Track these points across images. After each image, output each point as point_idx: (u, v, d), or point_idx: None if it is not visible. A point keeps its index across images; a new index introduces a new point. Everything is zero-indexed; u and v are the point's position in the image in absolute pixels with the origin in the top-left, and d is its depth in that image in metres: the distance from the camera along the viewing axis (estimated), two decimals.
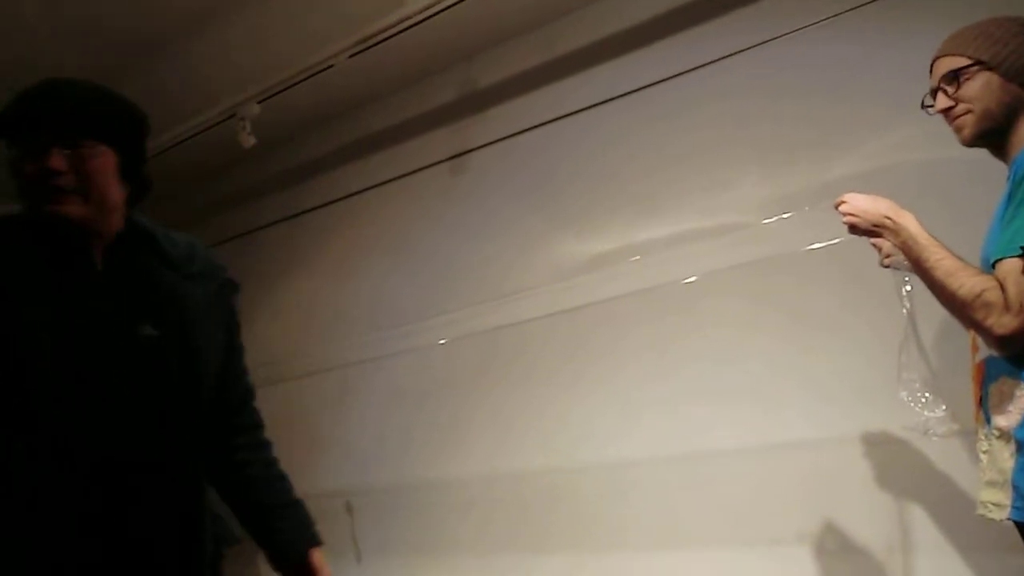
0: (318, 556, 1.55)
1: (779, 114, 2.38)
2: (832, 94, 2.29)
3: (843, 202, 1.57)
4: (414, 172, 3.26)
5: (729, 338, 2.35)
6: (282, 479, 1.64)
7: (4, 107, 1.33)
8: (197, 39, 2.95)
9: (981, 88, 1.46)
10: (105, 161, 1.33)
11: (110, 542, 1.28)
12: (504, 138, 3.03)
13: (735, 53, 2.46)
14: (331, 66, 2.83)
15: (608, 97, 2.77)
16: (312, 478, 3.30)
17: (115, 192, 1.36)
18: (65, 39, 2.94)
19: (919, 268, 1.46)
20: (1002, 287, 1.31)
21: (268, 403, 3.49)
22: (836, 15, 2.26)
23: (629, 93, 2.71)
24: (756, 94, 2.43)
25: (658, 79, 2.64)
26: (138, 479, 1.32)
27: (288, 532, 1.56)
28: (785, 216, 2.30)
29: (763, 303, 2.31)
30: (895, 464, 2.06)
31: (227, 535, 1.62)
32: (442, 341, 3.02)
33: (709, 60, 2.53)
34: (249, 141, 3.02)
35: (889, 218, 1.49)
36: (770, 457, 2.24)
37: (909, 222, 1.47)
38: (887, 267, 1.57)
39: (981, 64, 1.46)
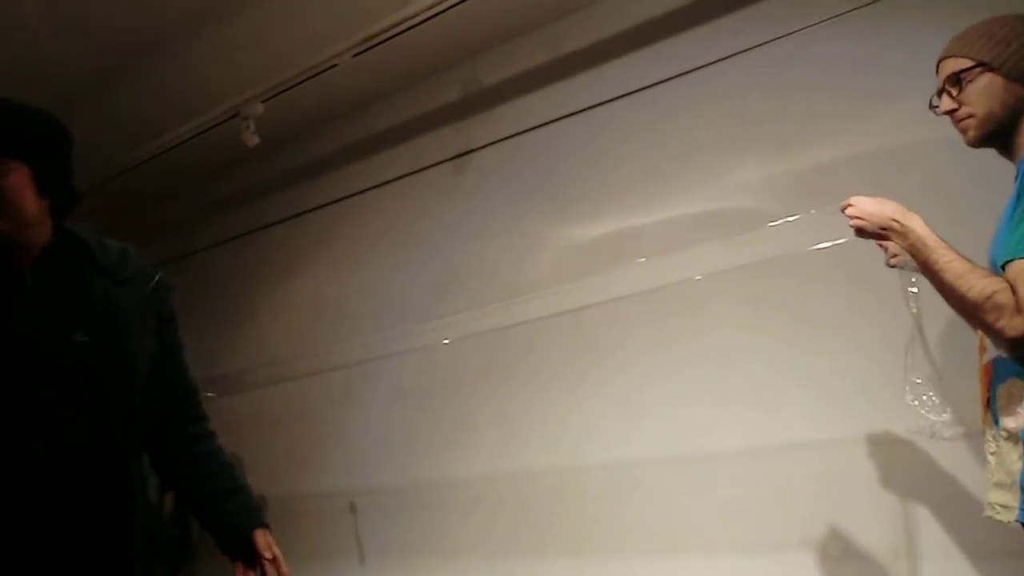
0: (263, 536, 1.59)
1: (783, 113, 2.37)
2: (835, 93, 2.28)
3: (849, 205, 1.55)
4: (418, 171, 3.26)
5: (732, 339, 2.34)
6: (230, 467, 1.69)
7: None
8: (200, 38, 2.94)
9: (984, 90, 1.45)
10: (18, 177, 1.35)
11: (42, 546, 1.34)
12: (508, 137, 3.02)
13: (738, 53, 2.45)
14: (335, 65, 2.83)
15: (613, 96, 2.76)
16: (315, 478, 3.30)
17: (32, 206, 1.38)
18: (66, 39, 2.94)
19: (928, 270, 1.45)
20: (1013, 289, 1.30)
21: (271, 403, 3.54)
22: (840, 14, 2.25)
23: (634, 92, 2.70)
24: (759, 93, 2.42)
25: (662, 78, 2.64)
26: (71, 484, 1.37)
27: (236, 516, 1.59)
28: (791, 219, 2.28)
29: (767, 304, 2.30)
30: (900, 466, 2.04)
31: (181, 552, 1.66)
32: (446, 341, 3.01)
33: (712, 60, 2.52)
34: (253, 140, 3.02)
35: (896, 221, 1.48)
36: (773, 459, 2.22)
37: (917, 224, 1.46)
38: (893, 267, 1.56)
39: (983, 66, 1.45)
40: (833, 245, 2.15)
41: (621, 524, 2.46)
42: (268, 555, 1.55)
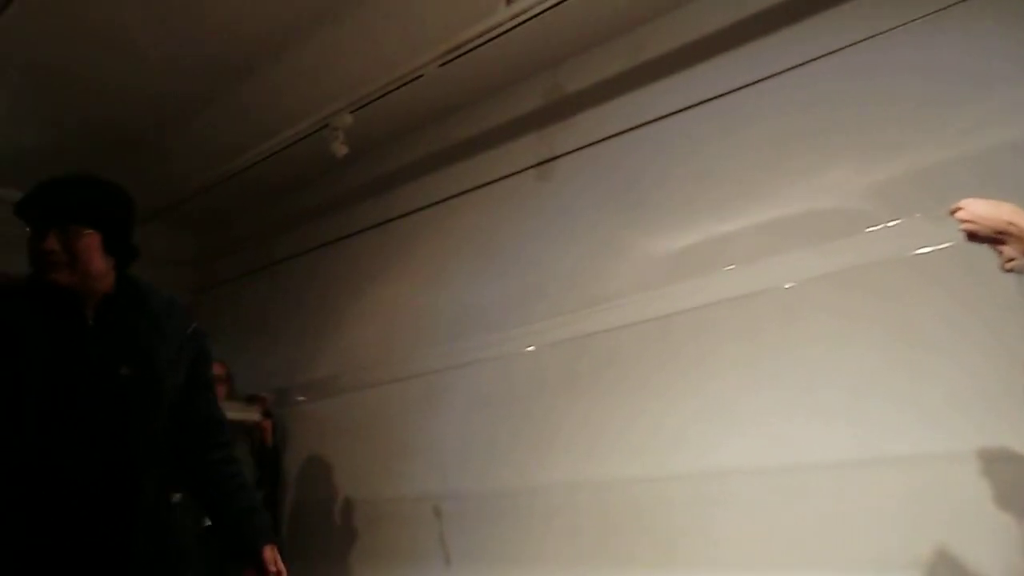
0: (271, 551, 1.84)
1: (879, 113, 2.29)
2: (934, 90, 2.19)
3: (959, 208, 1.48)
4: (500, 179, 3.28)
5: (829, 349, 2.25)
6: (249, 488, 1.97)
7: (22, 197, 1.76)
8: (290, 54, 3.06)
9: None
10: (89, 241, 1.69)
11: (76, 549, 1.61)
12: (590, 144, 3.01)
13: (829, 53, 2.39)
14: (421, 76, 2.87)
15: (696, 101, 2.72)
16: (401, 482, 3.35)
17: (98, 264, 1.71)
18: (171, 65, 3.13)
19: None
20: None
21: (357, 408, 3.61)
22: (938, 11, 2.15)
23: (718, 97, 2.66)
24: (852, 94, 2.35)
25: (747, 82, 2.59)
26: (102, 496, 1.65)
27: (252, 533, 1.85)
28: (891, 224, 2.19)
29: (865, 312, 2.20)
30: (1018, 485, 1.91)
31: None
32: (529, 348, 3.01)
33: (801, 61, 2.46)
34: (342, 151, 3.10)
35: (1014, 224, 1.41)
36: (876, 473, 2.12)
37: None
38: (1010, 272, 1.47)
39: None
40: (936, 250, 2.04)
41: (708, 537, 2.39)
42: (273, 569, 1.81)
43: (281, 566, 1.83)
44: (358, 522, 3.52)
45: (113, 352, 1.71)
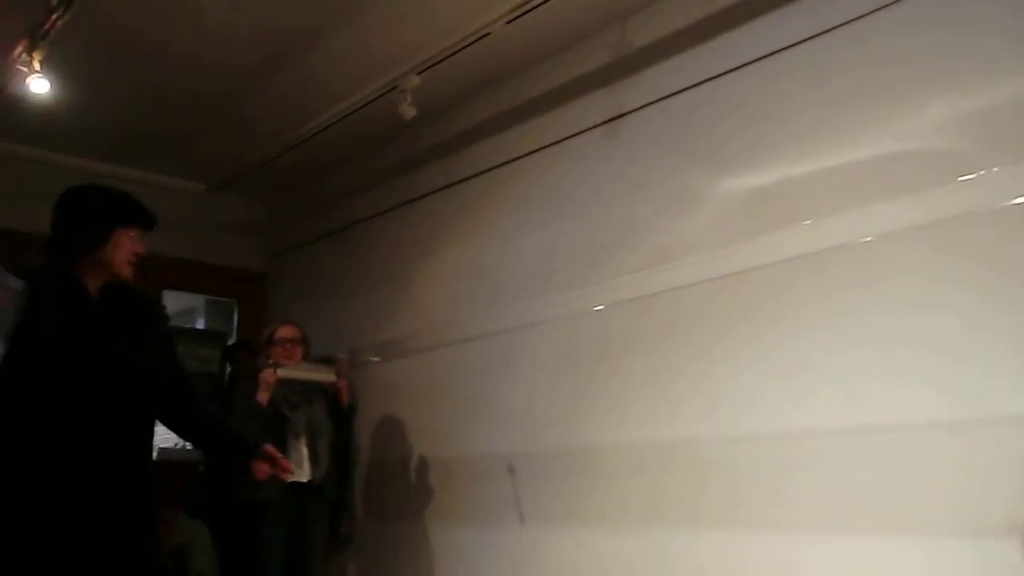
0: (269, 446, 2.28)
1: (967, 49, 2.15)
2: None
3: None
4: (568, 138, 3.24)
5: (915, 305, 2.16)
6: (225, 423, 2.39)
7: (139, 206, 2.19)
8: (357, 17, 3.06)
9: None
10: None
11: (94, 509, 1.90)
12: (660, 99, 2.94)
13: None
14: (488, 34, 2.85)
15: (770, 51, 2.61)
16: (474, 440, 3.41)
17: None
18: (239, 32, 3.19)
19: None
20: None
21: (430, 368, 3.67)
22: None
23: (795, 44, 2.55)
24: (939, 30, 2.21)
25: (828, 27, 2.46)
26: (114, 458, 1.96)
27: (246, 443, 2.30)
28: (984, 173, 2.07)
29: (955, 267, 2.10)
30: None
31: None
32: (598, 307, 3.00)
33: (883, 4, 2.33)
34: (410, 112, 3.11)
35: None
36: (973, 433, 2.02)
37: None
38: None
39: None
40: None
41: (785, 498, 2.35)
42: (279, 455, 2.27)
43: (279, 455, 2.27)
44: (432, 481, 3.61)
45: (111, 331, 2.03)
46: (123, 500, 1.95)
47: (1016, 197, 2.00)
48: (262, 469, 2.24)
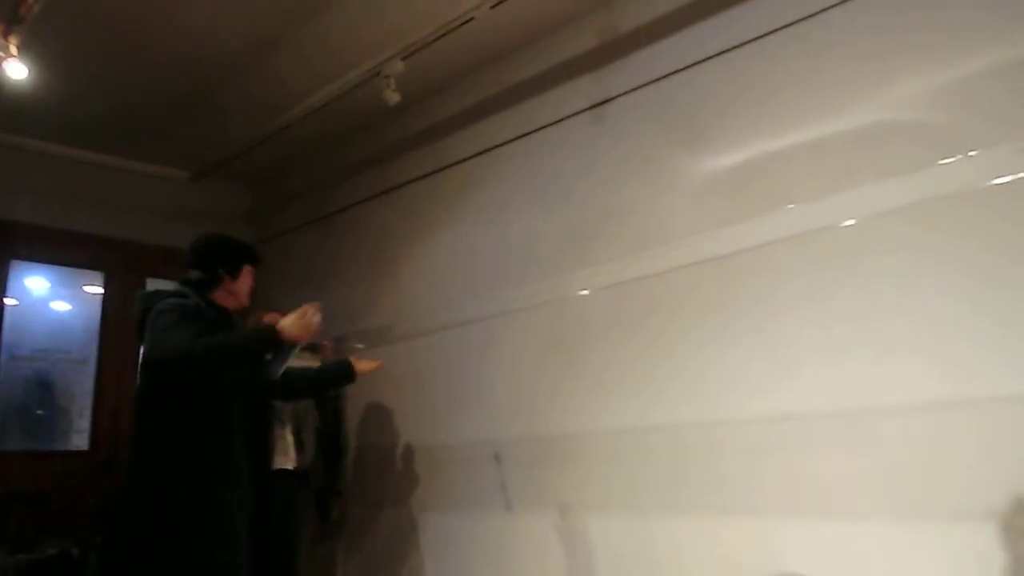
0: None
1: (956, 26, 2.16)
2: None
3: None
4: (554, 123, 3.23)
5: (896, 286, 2.17)
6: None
7: (249, 246, 2.78)
8: (342, 2, 3.03)
9: None
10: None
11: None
12: (645, 84, 2.94)
13: None
14: (472, 19, 2.83)
15: (756, 35, 2.61)
16: (460, 428, 3.41)
17: None
18: (220, 20, 3.17)
19: None
20: None
21: (415, 355, 3.67)
22: None
23: (779, 29, 2.55)
24: (922, 23, 2.22)
25: (812, 12, 2.46)
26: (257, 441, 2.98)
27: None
28: (964, 156, 2.08)
29: (933, 248, 2.11)
30: None
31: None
32: (583, 292, 3.00)
33: None
34: (394, 98, 3.10)
35: None
36: (946, 416, 2.04)
37: None
38: None
39: None
40: (1016, 179, 1.94)
41: (766, 482, 2.37)
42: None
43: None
44: (418, 468, 3.62)
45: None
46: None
47: (997, 177, 2.01)
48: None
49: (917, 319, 2.12)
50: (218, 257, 2.62)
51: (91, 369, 4.50)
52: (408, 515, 3.60)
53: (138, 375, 2.57)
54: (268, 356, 2.54)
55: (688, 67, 2.81)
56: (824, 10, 2.44)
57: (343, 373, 3.04)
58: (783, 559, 2.30)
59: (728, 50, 2.69)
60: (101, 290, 4.57)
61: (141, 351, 2.46)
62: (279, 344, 2.46)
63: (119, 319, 4.45)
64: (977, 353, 2.01)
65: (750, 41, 2.64)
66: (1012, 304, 1.98)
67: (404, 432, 3.73)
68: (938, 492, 2.04)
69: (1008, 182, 1.99)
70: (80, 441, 4.48)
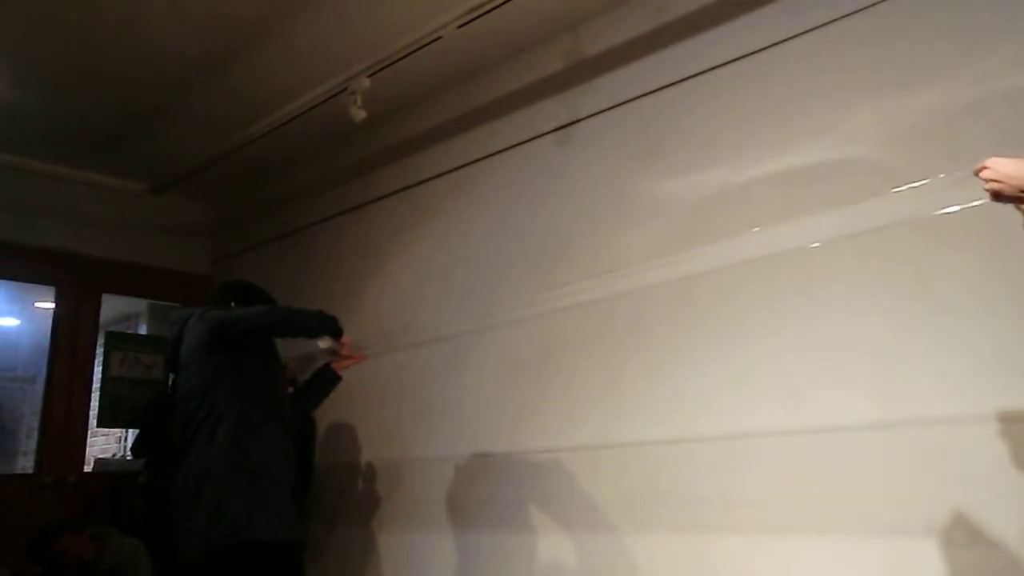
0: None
1: (906, 61, 2.25)
2: (954, 33, 2.15)
3: (985, 168, 1.46)
4: (520, 144, 3.26)
5: (853, 310, 2.23)
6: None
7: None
8: (308, 16, 3.03)
9: None
10: None
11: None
12: (612, 107, 2.98)
13: (849, 15, 2.35)
14: (440, 37, 2.85)
15: (721, 62, 2.68)
16: (423, 444, 3.39)
17: None
18: (188, 25, 3.09)
19: None
20: None
21: (381, 373, 3.63)
22: None
23: (744, 56, 2.62)
24: (872, 60, 2.32)
25: (772, 42, 2.54)
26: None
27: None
28: (916, 184, 2.16)
29: (890, 272, 2.18)
30: None
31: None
32: (551, 312, 3.01)
33: (824, 22, 2.42)
34: (360, 115, 3.09)
35: None
36: (896, 436, 2.10)
37: None
38: None
39: None
40: (965, 208, 2.01)
41: (732, 499, 2.39)
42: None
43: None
44: (382, 485, 3.58)
45: None
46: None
47: (944, 207, 2.09)
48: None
49: (876, 339, 2.18)
50: (236, 295, 2.96)
51: (40, 388, 4.37)
52: (370, 532, 3.56)
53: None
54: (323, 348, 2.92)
55: (652, 92, 2.86)
56: (784, 41, 2.52)
57: (330, 377, 3.11)
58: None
59: (690, 77, 2.76)
60: (52, 305, 4.44)
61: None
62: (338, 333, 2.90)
63: (71, 336, 4.33)
64: (919, 375, 2.08)
65: (711, 69, 2.70)
66: (951, 328, 2.05)
67: (369, 450, 3.69)
68: (884, 508, 2.09)
69: (951, 212, 2.07)
70: (27, 463, 4.34)
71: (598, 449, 2.77)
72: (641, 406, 2.68)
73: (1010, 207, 1.50)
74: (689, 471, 2.49)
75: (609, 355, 2.80)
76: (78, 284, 4.43)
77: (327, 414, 3.81)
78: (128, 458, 4.68)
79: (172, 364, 2.84)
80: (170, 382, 2.91)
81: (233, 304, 2.89)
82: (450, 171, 3.54)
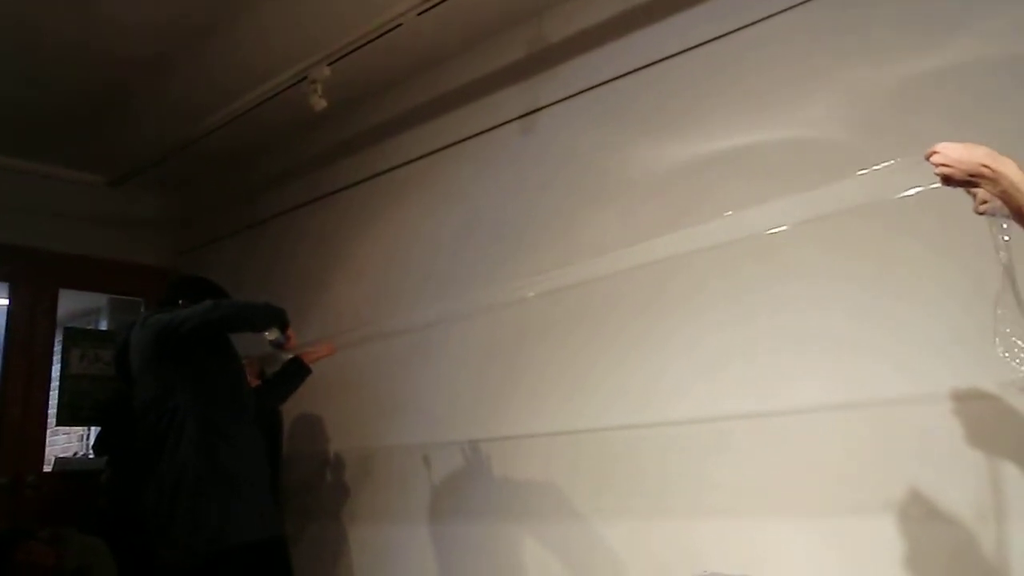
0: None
1: (863, 45, 2.28)
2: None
3: (935, 152, 1.49)
4: (484, 132, 3.25)
5: (811, 289, 2.27)
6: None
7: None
8: (268, 3, 2.98)
9: None
10: None
11: None
12: (575, 94, 2.98)
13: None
14: (400, 24, 2.83)
15: (683, 48, 2.68)
16: (390, 435, 3.39)
17: None
18: (139, 20, 3.04)
19: (1021, 217, 1.40)
20: None
21: (347, 364, 3.62)
22: None
23: (709, 41, 2.62)
24: (844, 51, 2.34)
25: (738, 26, 2.55)
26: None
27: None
28: (876, 168, 2.19)
29: (850, 253, 2.21)
30: (989, 423, 1.94)
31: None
32: (517, 300, 3.01)
33: (788, 6, 2.44)
34: (320, 104, 3.05)
35: (987, 166, 1.42)
36: (853, 414, 2.14)
37: (1009, 169, 1.41)
38: (983, 215, 1.49)
39: None
40: (921, 191, 2.05)
41: (700, 483, 2.41)
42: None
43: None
44: (349, 475, 3.57)
45: None
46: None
47: (902, 191, 2.12)
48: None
49: (834, 319, 2.22)
50: (184, 291, 2.89)
51: None
52: (338, 521, 3.55)
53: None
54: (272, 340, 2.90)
55: (615, 78, 2.86)
56: (749, 25, 2.53)
57: (300, 370, 3.12)
58: (703, 559, 2.35)
59: (654, 63, 2.76)
60: (6, 302, 4.33)
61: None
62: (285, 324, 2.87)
63: (26, 333, 4.23)
64: (878, 360, 2.12)
65: (675, 55, 2.71)
66: (907, 314, 2.09)
67: (335, 441, 3.67)
68: (843, 488, 2.14)
69: (908, 196, 2.10)
70: None
71: (573, 435, 2.77)
72: (604, 392, 2.69)
73: (961, 191, 1.53)
74: (664, 456, 2.51)
75: (572, 342, 2.81)
76: (33, 280, 4.33)
77: (295, 406, 3.78)
78: (90, 456, 4.60)
79: (124, 375, 2.75)
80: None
81: (181, 302, 2.79)
82: (417, 159, 3.51)
